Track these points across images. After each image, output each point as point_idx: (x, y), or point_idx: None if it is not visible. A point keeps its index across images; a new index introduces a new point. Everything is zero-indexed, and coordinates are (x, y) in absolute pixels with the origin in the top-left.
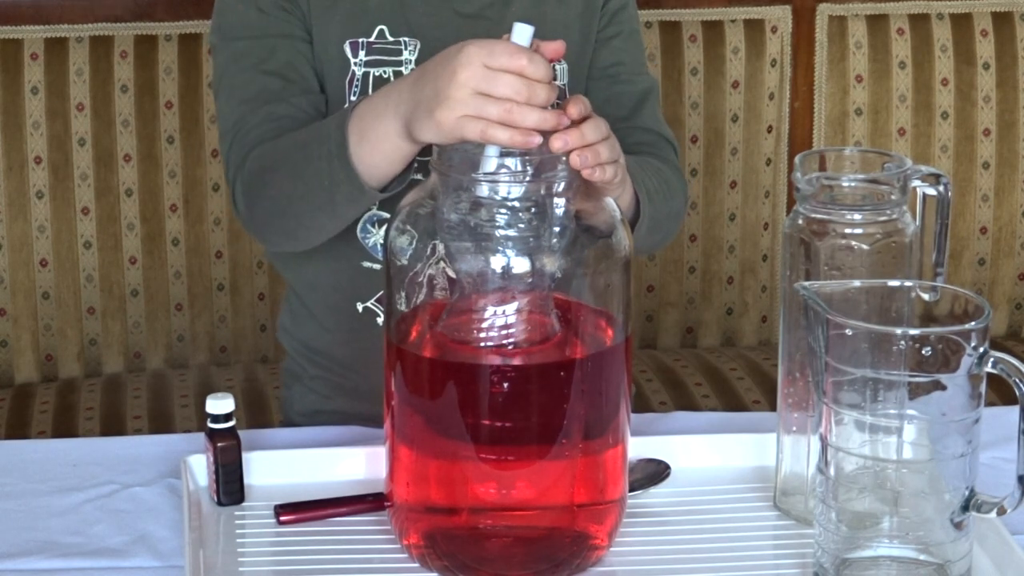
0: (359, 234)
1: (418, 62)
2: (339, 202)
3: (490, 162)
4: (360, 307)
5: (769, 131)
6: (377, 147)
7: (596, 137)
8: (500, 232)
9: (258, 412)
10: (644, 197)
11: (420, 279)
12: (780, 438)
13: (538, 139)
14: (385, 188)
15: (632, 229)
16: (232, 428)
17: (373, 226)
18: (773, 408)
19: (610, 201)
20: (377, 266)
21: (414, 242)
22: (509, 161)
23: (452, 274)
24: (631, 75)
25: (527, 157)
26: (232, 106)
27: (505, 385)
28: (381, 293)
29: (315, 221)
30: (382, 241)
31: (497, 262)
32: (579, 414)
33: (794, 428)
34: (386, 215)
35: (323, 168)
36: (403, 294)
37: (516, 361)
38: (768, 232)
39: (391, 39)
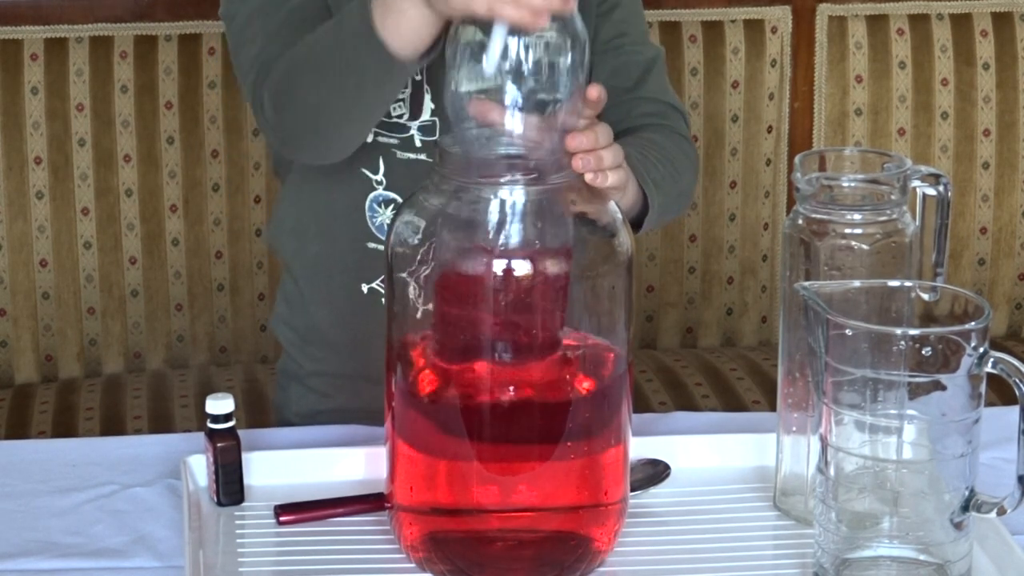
0: (367, 212)
1: None
2: (369, 84)
3: (495, 44)
4: (365, 288)
5: (769, 131)
6: (402, 18)
7: (604, 142)
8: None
9: (258, 412)
10: (652, 190)
11: (422, 276)
12: (780, 438)
13: (545, 20)
14: (417, 60)
15: (642, 221)
16: (232, 428)
17: (380, 206)
18: (773, 408)
19: (611, 204)
20: (383, 247)
21: (419, 235)
22: (512, 46)
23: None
24: (635, 45)
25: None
26: (257, 46)
27: (510, 388)
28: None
29: (346, 115)
30: (389, 221)
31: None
32: (582, 417)
33: (794, 428)
34: (394, 196)
35: (349, 48)
36: (405, 290)
37: (518, 368)
38: (768, 232)
39: None
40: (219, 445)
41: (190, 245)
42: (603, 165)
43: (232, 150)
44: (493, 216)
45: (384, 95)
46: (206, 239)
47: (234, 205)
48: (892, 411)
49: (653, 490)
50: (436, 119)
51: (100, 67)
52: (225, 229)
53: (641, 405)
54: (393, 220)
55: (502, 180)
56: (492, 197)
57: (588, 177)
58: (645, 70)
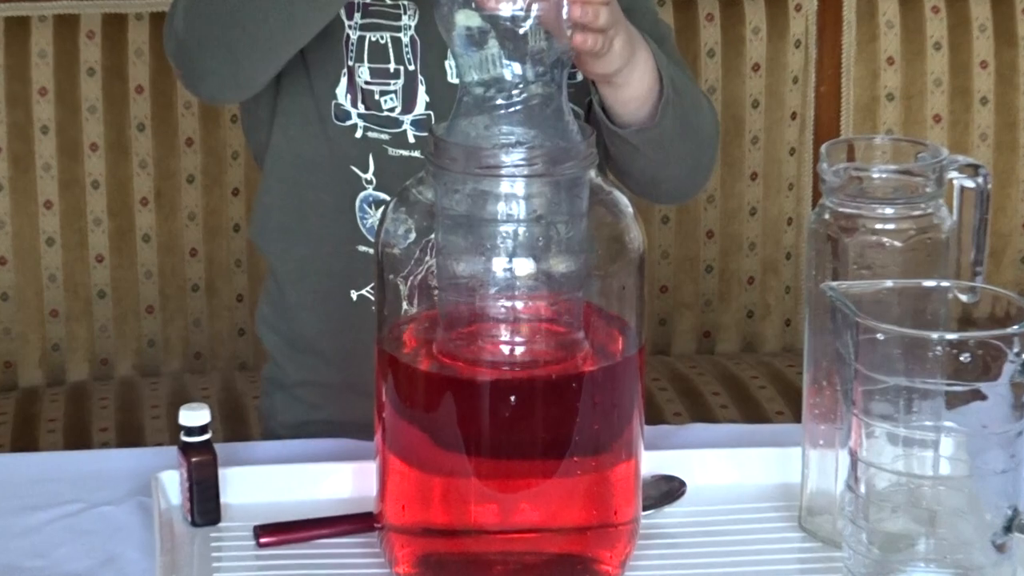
0: (357, 213)
1: (417, 29)
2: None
3: None
4: (354, 295)
5: (793, 118)
6: None
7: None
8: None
9: (236, 424)
10: (667, 79)
11: (416, 278)
12: (805, 452)
13: None
14: None
15: (654, 123)
16: (208, 441)
17: (371, 207)
18: (797, 420)
19: (621, 197)
20: (373, 251)
21: (412, 234)
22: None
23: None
24: (642, 21)
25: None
26: None
27: (509, 398)
28: None
29: (264, 28)
30: (378, 222)
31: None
32: (590, 428)
33: (821, 442)
34: (385, 196)
35: None
36: (397, 294)
37: (521, 372)
38: (792, 228)
39: (390, 1)
40: (194, 460)
41: (163, 241)
42: (594, 20)
43: (209, 138)
44: (495, 211)
45: (314, 12)
46: (180, 235)
47: (211, 198)
48: (928, 423)
49: (667, 509)
50: (431, 113)
51: (65, 48)
52: (201, 224)
53: (654, 416)
54: (383, 217)
55: (505, 171)
56: (494, 190)
57: (577, 39)
58: (657, 45)
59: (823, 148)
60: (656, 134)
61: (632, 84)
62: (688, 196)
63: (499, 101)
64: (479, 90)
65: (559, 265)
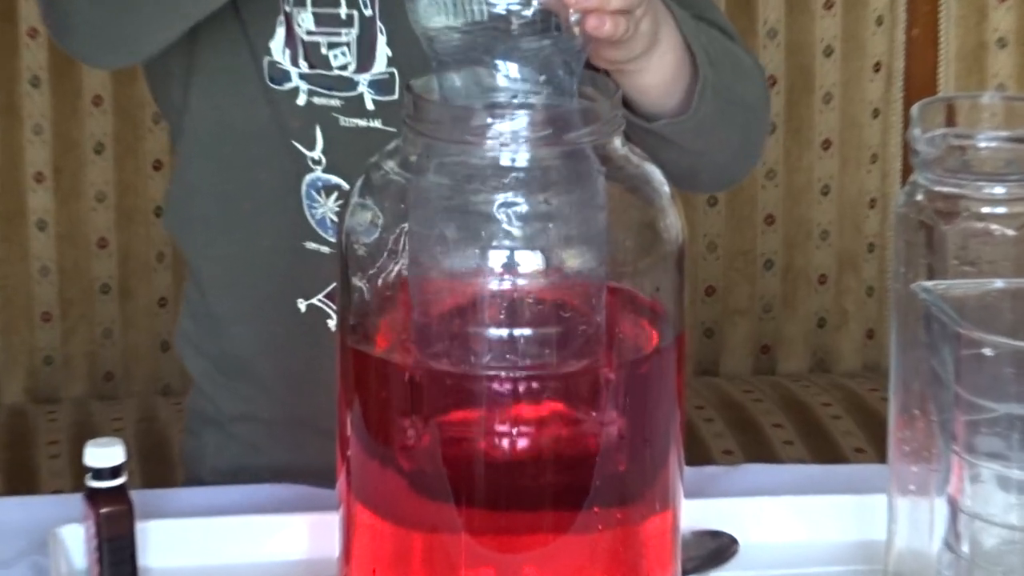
0: (304, 201)
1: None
2: None
3: None
4: (303, 305)
5: (876, 69)
6: None
7: None
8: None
9: (158, 465)
10: (700, 54)
11: (389, 276)
12: (892, 501)
13: None
14: None
15: (690, 110)
16: (122, 487)
17: (320, 193)
18: (882, 459)
19: (655, 171)
20: (326, 248)
21: (380, 223)
22: None
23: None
24: None
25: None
26: None
27: (511, 430)
28: (333, 286)
29: None
30: (334, 214)
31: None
32: (614, 469)
33: (912, 487)
34: (337, 180)
35: None
36: (364, 297)
37: (525, 395)
38: (876, 211)
39: None
40: (104, 511)
41: (62, 229)
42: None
43: (121, 96)
44: (491, 190)
45: None
46: (84, 221)
47: (124, 173)
48: None
49: (714, 574)
50: (394, 71)
51: None
52: (112, 207)
53: (698, 454)
54: (346, 202)
55: (503, 138)
56: (490, 163)
57: (591, 23)
58: None
59: (915, 109)
60: (693, 123)
61: (651, 69)
62: (736, 181)
63: (491, 51)
64: (456, 37)
65: (573, 260)
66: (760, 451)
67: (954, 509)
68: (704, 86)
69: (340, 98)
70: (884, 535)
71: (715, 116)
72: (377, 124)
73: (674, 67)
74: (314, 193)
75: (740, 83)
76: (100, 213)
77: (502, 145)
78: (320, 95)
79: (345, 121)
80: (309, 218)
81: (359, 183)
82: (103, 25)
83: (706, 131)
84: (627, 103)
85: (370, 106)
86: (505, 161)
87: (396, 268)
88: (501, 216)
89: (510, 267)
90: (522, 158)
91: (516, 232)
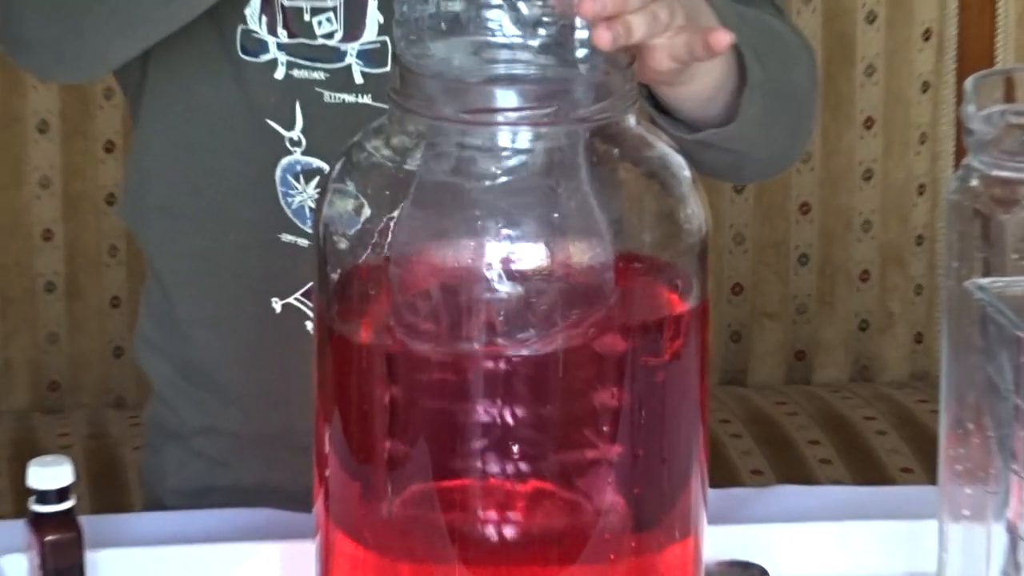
0: (278, 188)
1: None
2: None
3: None
4: (278, 305)
5: (926, 38)
6: None
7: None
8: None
9: (110, 487)
10: (747, 51)
11: (373, 272)
12: (944, 527)
13: None
14: None
15: (736, 115)
16: (70, 512)
17: (298, 178)
18: (932, 480)
19: (676, 157)
20: (304, 241)
21: (363, 212)
22: None
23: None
24: None
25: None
26: None
27: (511, 450)
28: (311, 285)
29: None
30: (313, 202)
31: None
32: (628, 492)
33: (966, 512)
34: (318, 163)
35: None
36: (345, 296)
37: (529, 421)
38: (925, 199)
39: None
40: (49, 539)
41: (1, 219)
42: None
43: None
44: (490, 174)
45: None
46: (27, 210)
47: (71, 154)
48: None
49: None
50: (387, 39)
51: None
52: (58, 192)
53: (723, 474)
54: (325, 187)
55: (503, 116)
56: (488, 143)
57: (604, 39)
58: None
59: (969, 83)
60: (738, 129)
61: (696, 79)
62: (784, 169)
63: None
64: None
65: (581, 253)
66: (794, 471)
67: (1013, 536)
68: (752, 88)
69: (324, 70)
70: (934, 566)
71: (762, 116)
72: (366, 100)
73: (721, 74)
74: (291, 178)
75: (789, 73)
76: (44, 201)
77: (501, 123)
78: (301, 67)
79: (330, 96)
80: (284, 207)
81: (339, 166)
82: (58, 43)
83: (753, 132)
84: (664, 109)
85: (359, 79)
86: (504, 141)
87: (382, 263)
88: (501, 204)
89: (511, 261)
90: (523, 138)
91: (517, 222)
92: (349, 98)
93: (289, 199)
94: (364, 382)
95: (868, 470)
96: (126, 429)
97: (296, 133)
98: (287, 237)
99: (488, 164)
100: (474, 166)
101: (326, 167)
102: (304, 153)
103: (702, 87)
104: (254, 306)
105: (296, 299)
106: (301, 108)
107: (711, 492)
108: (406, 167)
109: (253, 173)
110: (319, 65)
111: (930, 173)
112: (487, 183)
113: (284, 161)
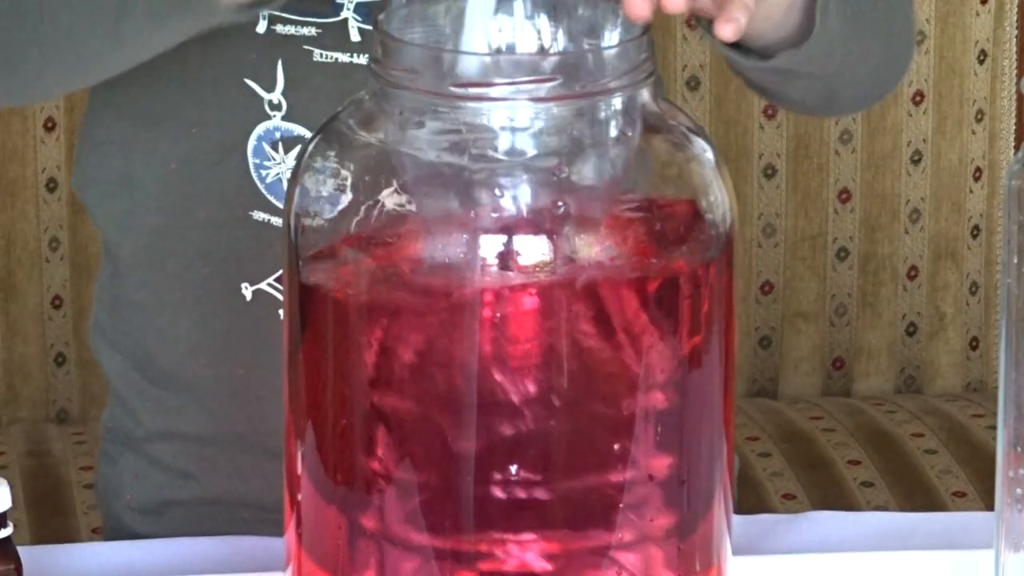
0: (250, 158)
1: None
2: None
3: None
4: (248, 291)
5: (983, 1)
6: None
7: None
8: None
9: (53, 513)
10: None
11: (353, 260)
12: (1001, 557)
13: None
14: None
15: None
16: (7, 541)
17: (276, 147)
18: (988, 505)
19: (696, 135)
20: (279, 220)
21: (343, 191)
22: None
23: None
24: None
25: None
26: None
27: (508, 469)
28: None
29: (71, 35)
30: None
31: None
32: (641, 518)
33: None
34: (301, 130)
35: None
36: (319, 287)
37: (528, 435)
38: (982, 185)
39: None
40: None
41: None
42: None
43: None
44: (484, 156)
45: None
46: None
47: (9, 134)
48: None
49: None
50: None
51: None
52: None
53: (752, 499)
54: (298, 163)
55: (497, 90)
56: (481, 121)
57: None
58: None
59: None
60: (820, 46)
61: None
62: (888, 91)
63: None
64: None
65: (589, 247)
66: (831, 495)
67: None
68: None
69: (315, 25)
70: None
71: (846, 26)
72: (364, 60)
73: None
74: (267, 147)
75: None
76: None
77: (497, 99)
78: (287, 21)
79: (321, 55)
80: (257, 181)
81: (315, 139)
82: (53, 85)
83: (836, 47)
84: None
85: (355, 36)
86: (501, 120)
87: (362, 252)
88: (497, 191)
89: (508, 253)
90: (523, 116)
91: (516, 212)
92: (343, 57)
93: (263, 171)
94: (344, 391)
95: (915, 494)
96: (70, 447)
97: (276, 95)
98: (259, 215)
99: (482, 146)
100: (465, 148)
101: (307, 133)
102: (284, 119)
103: (768, 10)
104: (222, 291)
105: (269, 284)
106: (283, 67)
107: (736, 518)
108: (390, 145)
109: (224, 140)
110: (307, 19)
111: (987, 155)
112: (481, 168)
113: (260, 128)
